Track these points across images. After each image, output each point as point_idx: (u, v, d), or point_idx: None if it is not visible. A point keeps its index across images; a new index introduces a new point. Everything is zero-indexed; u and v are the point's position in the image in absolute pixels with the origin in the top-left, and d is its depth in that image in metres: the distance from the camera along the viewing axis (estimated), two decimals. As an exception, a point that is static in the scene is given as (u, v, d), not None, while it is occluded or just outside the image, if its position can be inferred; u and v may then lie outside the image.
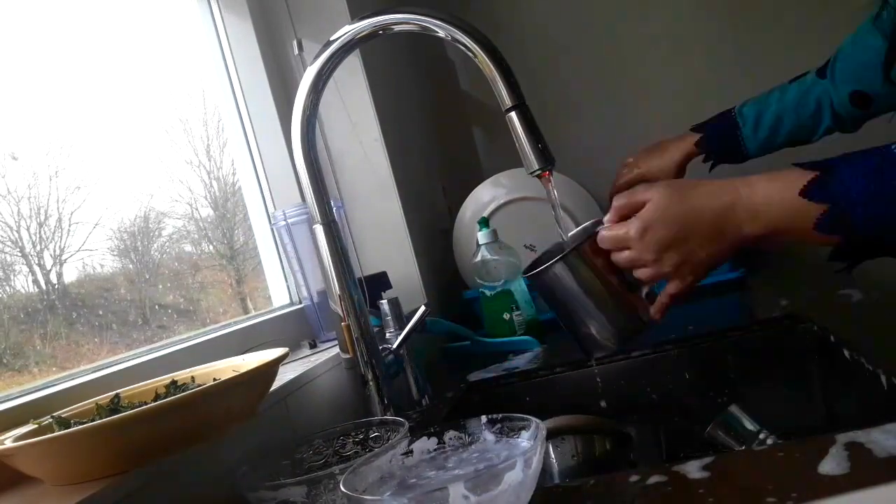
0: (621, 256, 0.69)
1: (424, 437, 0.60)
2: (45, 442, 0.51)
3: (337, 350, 0.93)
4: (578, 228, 0.80)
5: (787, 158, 0.77)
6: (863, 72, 1.00)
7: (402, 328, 0.93)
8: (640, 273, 0.70)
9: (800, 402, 0.95)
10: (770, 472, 0.51)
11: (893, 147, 0.59)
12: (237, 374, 0.62)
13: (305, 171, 0.82)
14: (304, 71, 0.81)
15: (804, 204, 0.61)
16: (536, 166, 0.71)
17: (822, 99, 1.07)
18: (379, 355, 0.84)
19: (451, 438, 0.60)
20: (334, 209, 0.85)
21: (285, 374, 0.84)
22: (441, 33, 0.74)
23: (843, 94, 1.03)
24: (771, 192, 0.64)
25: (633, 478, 0.55)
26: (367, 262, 1.34)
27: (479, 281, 1.26)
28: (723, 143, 1.15)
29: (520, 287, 1.24)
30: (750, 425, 0.79)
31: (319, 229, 0.83)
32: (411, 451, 0.59)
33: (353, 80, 1.31)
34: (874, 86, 0.99)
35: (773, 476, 0.50)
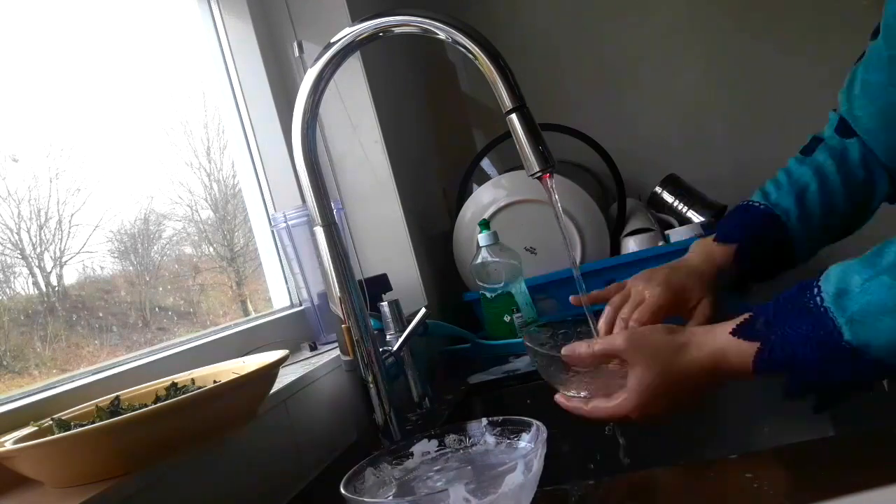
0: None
1: (425, 440, 0.60)
2: (45, 444, 0.51)
3: (337, 352, 0.93)
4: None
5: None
6: None
7: (402, 330, 0.93)
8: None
9: (800, 403, 0.94)
10: (770, 475, 0.51)
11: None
12: (237, 376, 0.62)
13: (306, 172, 0.82)
14: (305, 73, 0.81)
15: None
16: (537, 168, 0.71)
17: (868, 159, 0.84)
18: (379, 357, 0.84)
19: (451, 441, 0.60)
20: (334, 211, 0.85)
21: (285, 377, 0.84)
22: (441, 35, 0.74)
23: None
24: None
25: (630, 480, 0.55)
26: (368, 264, 1.34)
27: (479, 283, 1.26)
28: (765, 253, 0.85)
29: (520, 289, 1.24)
30: None
31: (320, 231, 0.83)
32: (412, 454, 0.59)
33: (353, 81, 1.31)
34: None
35: (773, 480, 0.49)
